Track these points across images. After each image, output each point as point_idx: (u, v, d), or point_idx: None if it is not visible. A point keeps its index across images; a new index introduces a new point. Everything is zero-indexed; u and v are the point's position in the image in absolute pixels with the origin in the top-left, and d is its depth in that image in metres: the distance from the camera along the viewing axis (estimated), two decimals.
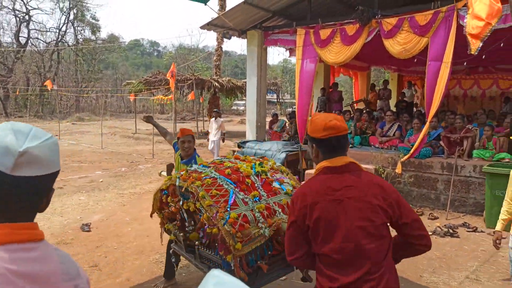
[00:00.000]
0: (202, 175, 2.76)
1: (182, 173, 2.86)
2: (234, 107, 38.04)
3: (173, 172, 3.69)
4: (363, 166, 8.39)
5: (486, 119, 8.35)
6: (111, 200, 7.30)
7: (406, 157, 6.99)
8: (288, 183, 2.98)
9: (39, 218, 5.78)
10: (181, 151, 3.69)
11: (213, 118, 11.29)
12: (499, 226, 3.43)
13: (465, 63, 7.95)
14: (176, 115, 23.67)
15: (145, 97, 19.72)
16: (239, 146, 9.27)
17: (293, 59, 8.75)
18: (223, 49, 21.44)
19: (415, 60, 7.02)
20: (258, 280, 2.60)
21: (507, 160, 6.59)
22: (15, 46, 32.90)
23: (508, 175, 3.49)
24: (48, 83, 19.23)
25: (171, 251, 3.24)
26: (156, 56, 72.23)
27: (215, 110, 12.30)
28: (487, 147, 7.03)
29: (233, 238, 2.36)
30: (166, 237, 3.36)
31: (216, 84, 17.49)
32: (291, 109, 33.84)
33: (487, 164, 6.32)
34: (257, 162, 3.10)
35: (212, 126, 11.16)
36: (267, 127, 10.78)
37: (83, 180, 9.19)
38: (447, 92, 14.71)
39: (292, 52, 10.42)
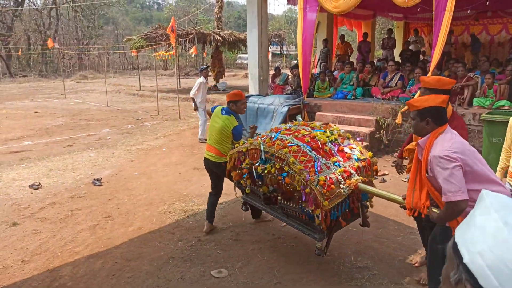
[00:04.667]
0: (287, 143, 3.27)
1: (264, 138, 3.48)
2: (239, 61, 37.45)
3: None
4: (365, 117, 8.46)
5: (489, 67, 8.27)
6: (120, 157, 7.58)
7: (406, 107, 7.05)
8: (356, 148, 3.38)
9: (52, 175, 6.02)
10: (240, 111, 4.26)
11: (201, 78, 8.72)
12: (498, 174, 3.54)
13: (469, 10, 7.73)
14: (180, 71, 23.50)
15: (147, 53, 19.51)
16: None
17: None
18: (225, 0, 20.78)
19: (418, 9, 6.87)
20: (334, 230, 3.31)
21: (506, 107, 6.64)
22: (12, 3, 32.15)
23: (506, 123, 3.49)
24: (49, 41, 19.06)
25: (242, 203, 4.22)
26: (156, 9, 70.22)
27: (205, 66, 9.41)
28: (487, 95, 7.05)
29: (323, 197, 2.89)
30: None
31: (218, 37, 17.21)
32: (296, 61, 33.29)
33: (486, 112, 6.39)
34: (328, 130, 3.50)
35: (204, 89, 8.78)
36: (270, 81, 10.77)
37: (92, 137, 9.45)
38: (455, 39, 14.39)
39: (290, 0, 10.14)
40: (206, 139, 8.61)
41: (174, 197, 5.44)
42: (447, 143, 2.35)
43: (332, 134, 3.45)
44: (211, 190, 4.43)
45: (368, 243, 4.03)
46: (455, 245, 0.79)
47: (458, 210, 2.29)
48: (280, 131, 3.53)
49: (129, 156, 7.62)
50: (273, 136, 3.44)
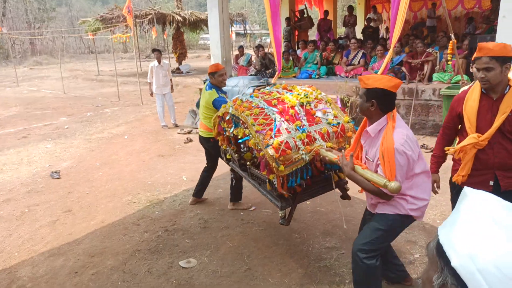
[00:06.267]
0: (252, 105, 3.12)
1: (236, 102, 3.28)
2: (202, 42, 36.60)
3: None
4: (329, 96, 8.36)
5: (447, 42, 8.44)
6: (79, 146, 7.24)
7: None
8: (330, 112, 3.16)
9: (6, 169, 5.66)
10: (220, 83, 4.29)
11: (154, 62, 8.27)
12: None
13: None
14: (140, 53, 22.70)
15: (104, 36, 18.64)
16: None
17: None
18: None
19: None
20: (298, 196, 3.09)
21: (464, 81, 6.82)
22: None
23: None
24: None
25: (232, 174, 4.08)
26: None
27: (155, 49, 8.69)
28: (446, 70, 7.22)
29: (276, 162, 2.73)
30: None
31: (178, 18, 16.65)
32: (259, 40, 32.89)
33: (445, 86, 6.54)
34: (303, 93, 3.28)
35: (158, 73, 8.22)
36: (233, 62, 10.56)
37: (48, 127, 8.97)
38: (414, 15, 14.61)
39: None
40: (167, 125, 8.49)
41: (138, 186, 5.25)
42: (401, 136, 2.28)
43: (307, 97, 3.20)
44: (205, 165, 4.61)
45: (336, 223, 4.06)
46: (439, 246, 0.72)
47: (384, 198, 2.36)
48: (252, 95, 3.37)
49: (89, 145, 7.30)
50: (244, 99, 3.28)
